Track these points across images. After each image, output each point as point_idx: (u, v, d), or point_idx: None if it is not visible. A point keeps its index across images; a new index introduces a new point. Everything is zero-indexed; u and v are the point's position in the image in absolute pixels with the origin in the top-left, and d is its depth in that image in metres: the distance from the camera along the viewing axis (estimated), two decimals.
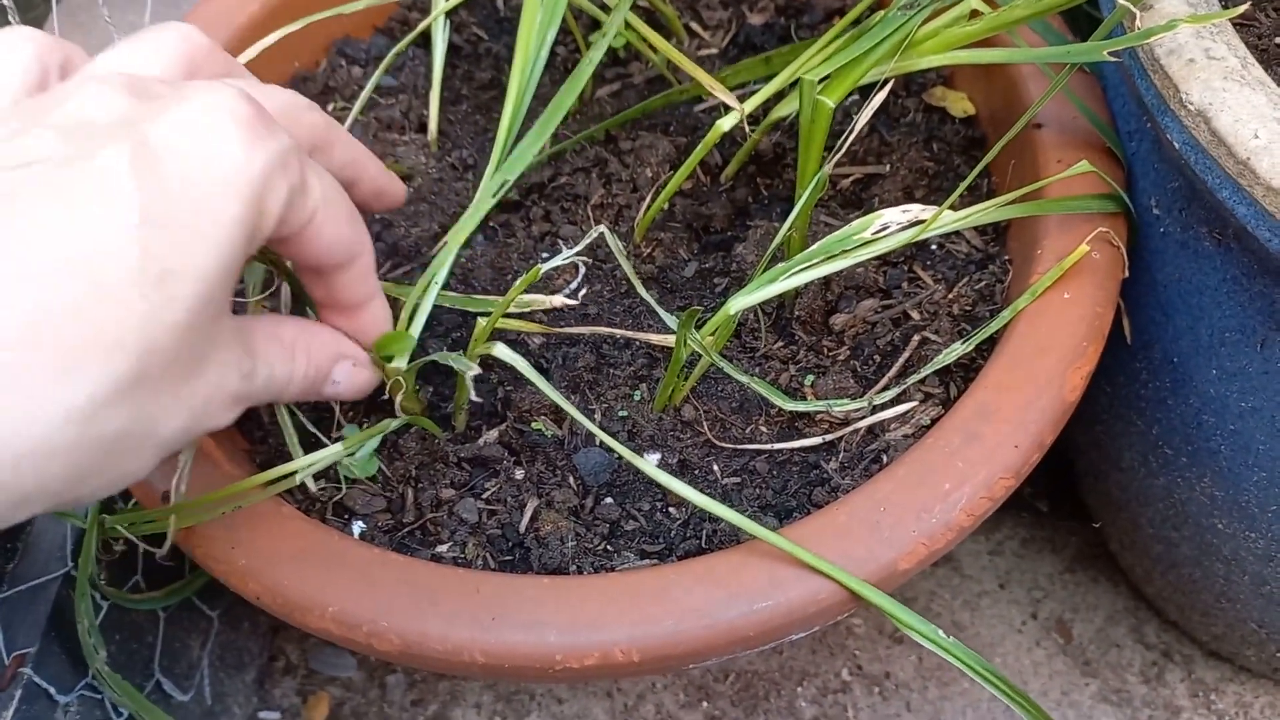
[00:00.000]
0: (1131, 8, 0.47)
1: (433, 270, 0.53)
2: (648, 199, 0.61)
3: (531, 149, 0.53)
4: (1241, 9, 0.44)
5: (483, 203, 0.54)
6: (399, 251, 0.61)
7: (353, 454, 0.50)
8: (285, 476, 0.46)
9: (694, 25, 0.69)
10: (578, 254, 0.49)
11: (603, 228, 0.51)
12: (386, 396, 0.50)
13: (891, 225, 0.48)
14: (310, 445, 0.52)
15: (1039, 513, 0.84)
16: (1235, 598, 0.63)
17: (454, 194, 0.63)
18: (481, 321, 0.50)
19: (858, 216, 0.60)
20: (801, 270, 0.49)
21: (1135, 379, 0.58)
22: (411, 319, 0.52)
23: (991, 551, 0.82)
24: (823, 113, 0.49)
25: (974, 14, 0.51)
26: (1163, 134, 0.47)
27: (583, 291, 0.59)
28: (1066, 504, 0.83)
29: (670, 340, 0.56)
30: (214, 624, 0.70)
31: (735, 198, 0.63)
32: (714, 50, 0.68)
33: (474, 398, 0.52)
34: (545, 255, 0.61)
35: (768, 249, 0.58)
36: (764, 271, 0.51)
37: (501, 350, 0.49)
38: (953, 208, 0.49)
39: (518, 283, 0.48)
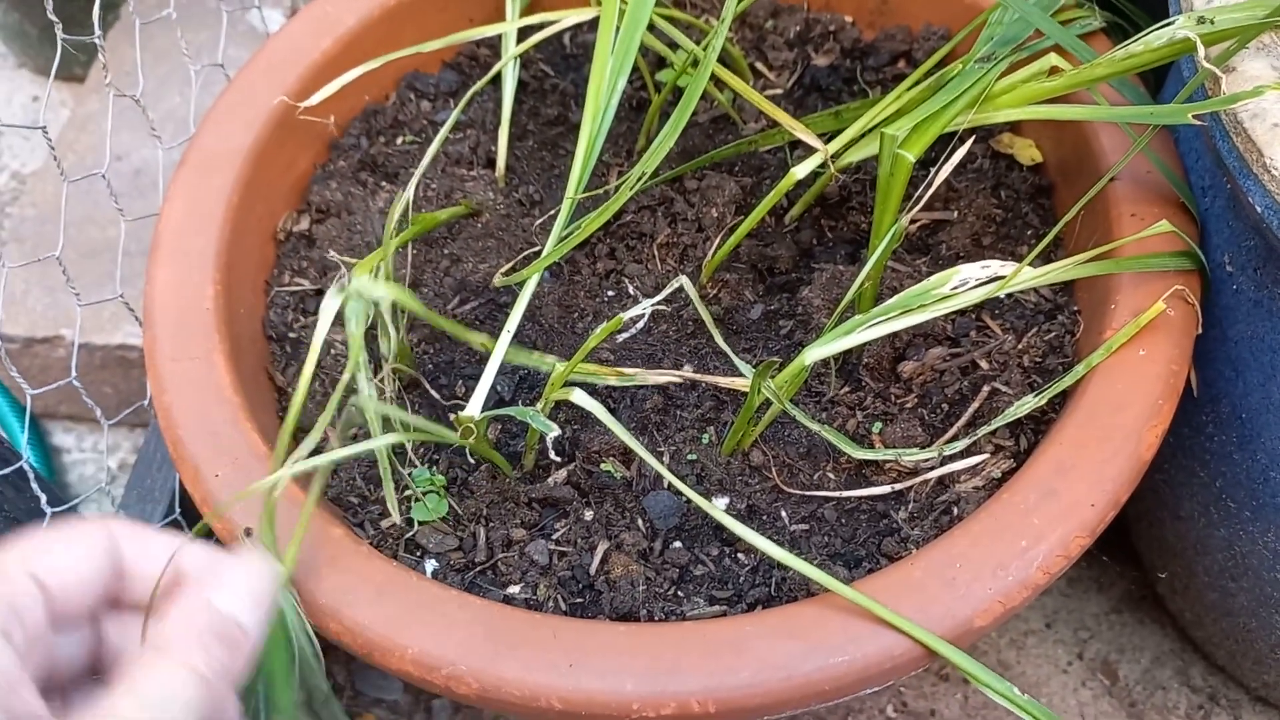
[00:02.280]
0: (1215, 71, 0.47)
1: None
2: (715, 240, 0.62)
3: (620, 199, 0.53)
4: None
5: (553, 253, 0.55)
6: (467, 287, 0.62)
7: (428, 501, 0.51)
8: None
9: (759, 65, 0.70)
10: (656, 303, 0.49)
11: (684, 279, 0.51)
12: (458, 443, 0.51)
13: (970, 281, 0.49)
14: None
15: (1087, 552, 0.83)
16: None
17: (521, 230, 0.64)
18: (559, 368, 0.50)
19: (925, 261, 0.60)
20: (878, 324, 0.49)
21: (1200, 431, 0.58)
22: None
23: None
24: (903, 166, 0.50)
25: (1054, 70, 0.52)
26: (1243, 195, 0.47)
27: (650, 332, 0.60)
28: (1114, 545, 0.83)
29: (736, 383, 0.56)
30: None
31: (800, 239, 0.63)
32: (779, 91, 0.69)
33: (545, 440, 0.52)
34: (610, 293, 0.62)
35: (834, 293, 0.59)
36: (836, 324, 0.52)
37: (579, 397, 0.49)
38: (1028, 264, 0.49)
39: (598, 330, 0.49)
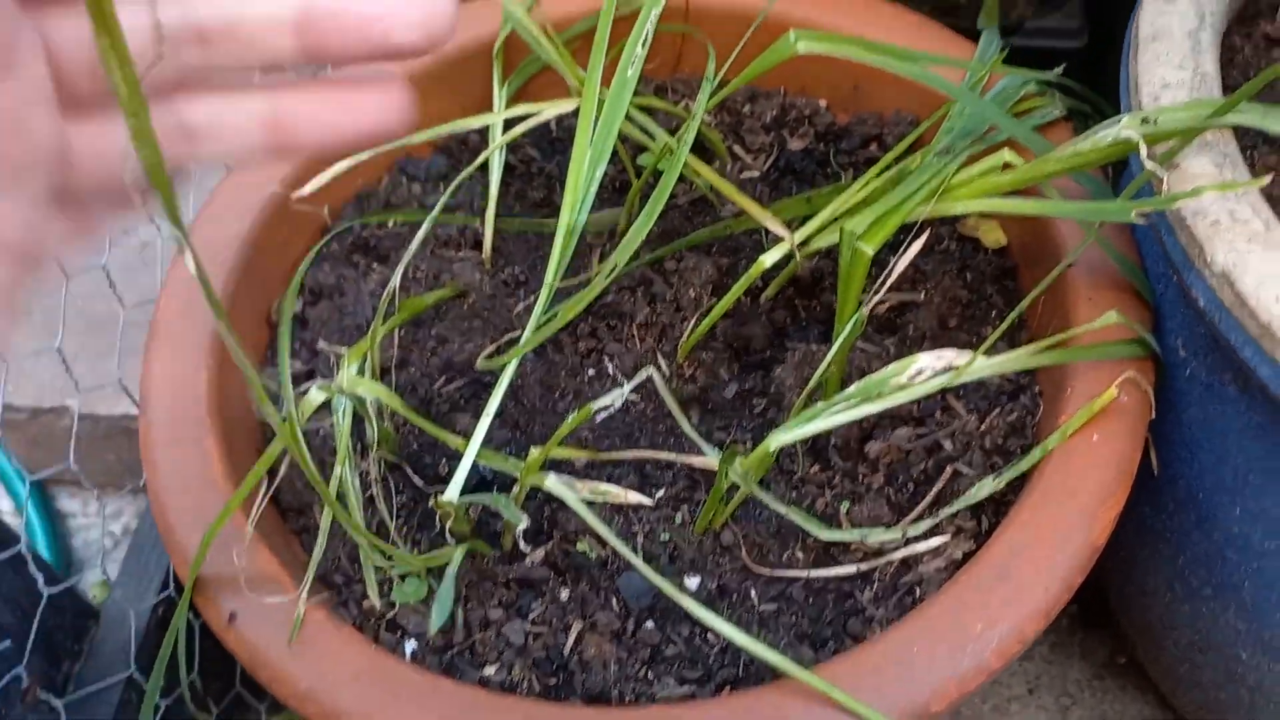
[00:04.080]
0: (1158, 171, 0.49)
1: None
2: (691, 320, 0.64)
3: (596, 288, 0.56)
4: (1266, 180, 0.46)
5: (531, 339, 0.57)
6: (452, 366, 0.64)
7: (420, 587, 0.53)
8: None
9: (736, 148, 0.72)
10: (626, 394, 0.51)
11: (652, 370, 0.53)
12: (439, 526, 0.53)
13: (926, 370, 0.51)
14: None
15: (1069, 619, 0.85)
16: None
17: (506, 310, 0.66)
18: (533, 451, 0.52)
19: (893, 341, 0.62)
20: (840, 411, 0.51)
21: (1162, 510, 0.59)
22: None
23: (1021, 656, 0.83)
24: (861, 259, 0.52)
25: (1006, 166, 0.54)
26: (1188, 290, 0.49)
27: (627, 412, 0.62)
28: (1096, 611, 0.84)
29: (709, 463, 0.58)
30: (260, 717, 0.73)
31: (774, 319, 0.65)
32: (755, 174, 0.71)
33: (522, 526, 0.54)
34: (591, 372, 0.64)
35: (805, 373, 0.61)
36: (803, 406, 0.54)
37: (552, 483, 0.51)
38: (986, 352, 0.51)
39: (570, 419, 0.51)
